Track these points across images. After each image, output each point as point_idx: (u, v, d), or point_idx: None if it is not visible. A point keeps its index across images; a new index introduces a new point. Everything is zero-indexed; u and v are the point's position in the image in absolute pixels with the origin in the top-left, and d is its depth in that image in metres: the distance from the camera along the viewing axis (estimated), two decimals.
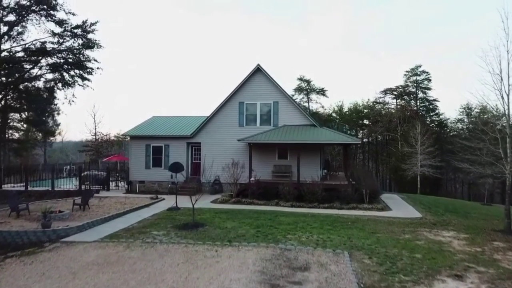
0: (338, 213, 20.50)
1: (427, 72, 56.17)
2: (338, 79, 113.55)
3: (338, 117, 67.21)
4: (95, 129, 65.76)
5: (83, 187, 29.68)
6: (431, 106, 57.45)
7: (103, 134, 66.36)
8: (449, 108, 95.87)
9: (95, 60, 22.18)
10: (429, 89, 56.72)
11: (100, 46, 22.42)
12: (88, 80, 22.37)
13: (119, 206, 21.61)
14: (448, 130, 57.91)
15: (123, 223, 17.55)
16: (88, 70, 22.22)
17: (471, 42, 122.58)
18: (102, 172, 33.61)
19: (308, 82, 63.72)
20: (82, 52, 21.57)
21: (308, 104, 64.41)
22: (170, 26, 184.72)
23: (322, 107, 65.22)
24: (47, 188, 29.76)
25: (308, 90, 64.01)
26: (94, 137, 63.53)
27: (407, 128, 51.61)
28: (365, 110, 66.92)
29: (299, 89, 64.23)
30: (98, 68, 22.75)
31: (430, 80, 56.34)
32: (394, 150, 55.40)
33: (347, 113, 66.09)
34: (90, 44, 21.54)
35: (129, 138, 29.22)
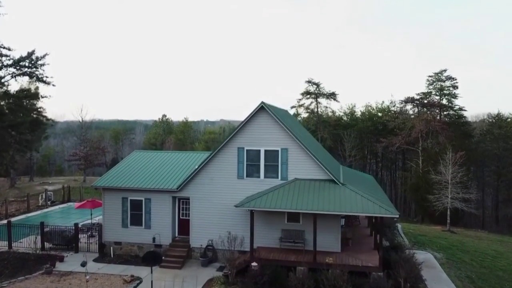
0: None
1: (453, 78, 49.69)
2: (348, 81, 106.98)
3: (349, 121, 61.06)
4: (83, 135, 59.92)
5: (46, 245, 24.20)
6: (456, 116, 51.20)
7: (93, 141, 60.85)
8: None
9: (39, 113, 16.30)
10: (455, 96, 50.33)
11: (48, 85, 16.53)
12: (29, 141, 16.52)
13: None
14: (475, 141, 51.82)
15: None
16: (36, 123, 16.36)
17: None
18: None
19: (317, 85, 57.38)
20: (22, 101, 15.73)
21: (317, 109, 58.25)
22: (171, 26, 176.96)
23: (332, 112, 59.13)
24: (4, 246, 24.43)
25: (317, 94, 57.75)
26: (82, 145, 57.74)
27: (430, 144, 45.72)
28: (379, 114, 60.89)
29: (307, 93, 58.01)
30: (49, 119, 16.80)
31: (456, 87, 49.90)
32: (415, 166, 49.57)
33: (360, 118, 59.95)
34: (31, 93, 15.67)
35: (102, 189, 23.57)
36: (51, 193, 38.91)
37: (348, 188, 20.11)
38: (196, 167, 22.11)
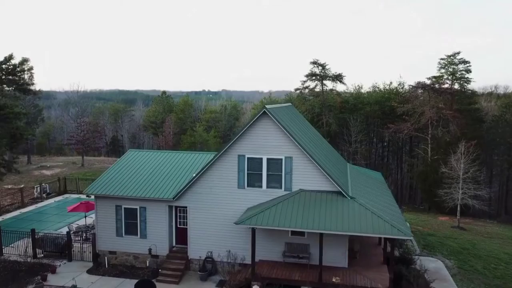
0: None
1: (466, 61, 47.13)
2: (355, 63, 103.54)
3: (355, 102, 58.76)
4: (80, 118, 58.10)
5: (38, 252, 23.07)
6: (468, 103, 48.93)
7: (89, 124, 59.14)
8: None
9: (17, 131, 14.64)
10: (468, 81, 47.93)
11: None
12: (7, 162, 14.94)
13: None
14: (486, 127, 49.83)
15: None
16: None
17: None
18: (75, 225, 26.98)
19: (323, 66, 54.86)
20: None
21: (322, 92, 55.98)
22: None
23: (338, 94, 56.81)
24: None
25: (323, 76, 55.34)
26: (79, 128, 56.02)
27: (441, 132, 43.88)
28: (386, 95, 58.61)
29: (311, 75, 55.60)
30: (30, 132, 15.13)
31: (470, 71, 47.42)
32: (423, 153, 47.90)
33: (367, 100, 57.71)
34: (6, 110, 13.97)
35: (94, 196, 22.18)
36: (47, 185, 37.68)
37: (357, 203, 18.57)
38: (194, 175, 20.60)
